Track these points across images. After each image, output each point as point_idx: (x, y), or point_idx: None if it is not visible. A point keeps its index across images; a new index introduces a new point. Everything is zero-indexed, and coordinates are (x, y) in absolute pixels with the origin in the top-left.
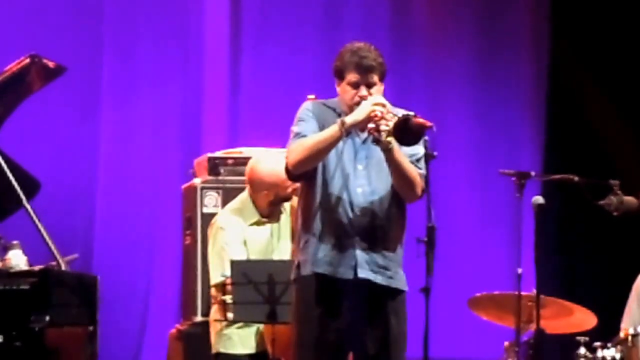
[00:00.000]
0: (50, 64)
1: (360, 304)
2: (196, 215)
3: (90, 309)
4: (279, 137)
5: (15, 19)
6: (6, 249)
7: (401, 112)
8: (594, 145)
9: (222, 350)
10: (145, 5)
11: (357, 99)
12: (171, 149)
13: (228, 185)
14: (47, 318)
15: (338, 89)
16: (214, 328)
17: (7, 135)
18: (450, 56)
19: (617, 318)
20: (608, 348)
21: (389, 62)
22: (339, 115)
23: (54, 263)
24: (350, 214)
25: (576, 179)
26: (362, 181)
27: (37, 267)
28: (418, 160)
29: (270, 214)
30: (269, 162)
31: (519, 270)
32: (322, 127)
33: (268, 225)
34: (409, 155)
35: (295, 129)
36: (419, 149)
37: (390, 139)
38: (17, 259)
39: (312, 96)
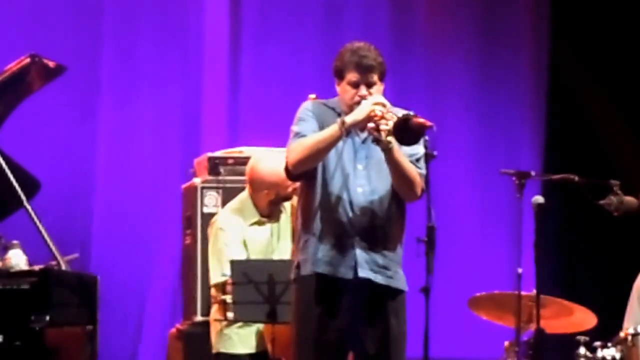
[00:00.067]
0: (50, 64)
1: (360, 303)
2: (196, 215)
3: (90, 308)
4: (279, 136)
5: (15, 19)
6: (6, 248)
7: (401, 112)
8: (594, 145)
9: (223, 350)
10: (145, 5)
11: (357, 98)
12: (171, 149)
13: (228, 185)
14: (47, 318)
15: (338, 89)
16: (214, 328)
17: (7, 135)
18: (450, 56)
19: (617, 318)
20: (608, 348)
21: (389, 62)
22: (339, 115)
23: (54, 263)
24: (350, 214)
25: (576, 178)
26: (362, 181)
27: (37, 267)
28: (418, 160)
29: (270, 213)
30: (269, 161)
31: (519, 270)
32: (322, 127)
33: (268, 225)
34: (409, 155)
35: (295, 128)
36: (419, 149)
37: (390, 138)
38: (17, 259)
39: (313, 95)
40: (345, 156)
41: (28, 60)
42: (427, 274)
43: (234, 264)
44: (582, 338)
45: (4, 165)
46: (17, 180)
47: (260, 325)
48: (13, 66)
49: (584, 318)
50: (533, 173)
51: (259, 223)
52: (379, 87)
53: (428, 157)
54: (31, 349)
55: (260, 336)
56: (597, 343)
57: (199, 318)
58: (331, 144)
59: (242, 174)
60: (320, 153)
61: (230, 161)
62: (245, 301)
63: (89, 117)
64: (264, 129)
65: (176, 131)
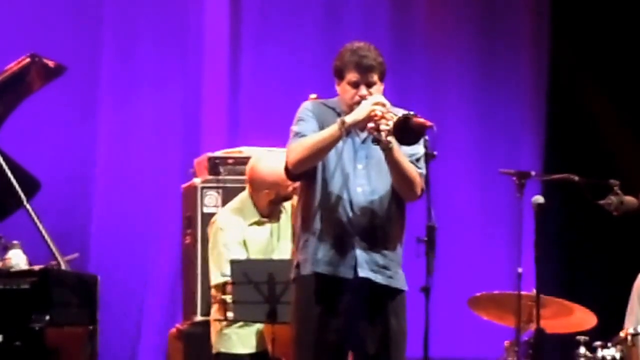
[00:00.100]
0: (50, 64)
1: (360, 303)
2: (196, 214)
3: (91, 308)
4: (279, 136)
5: (15, 19)
6: (6, 248)
7: (401, 112)
8: (594, 145)
9: (223, 349)
10: (145, 5)
11: (357, 98)
12: (171, 149)
13: (228, 185)
14: (47, 318)
15: (338, 89)
16: (214, 328)
17: (7, 135)
18: (450, 56)
19: (617, 318)
20: (608, 348)
21: (389, 62)
22: (339, 115)
23: (54, 263)
24: (350, 214)
25: (576, 178)
26: (362, 181)
27: (37, 267)
28: (418, 160)
29: (270, 213)
30: (269, 161)
31: (519, 270)
32: (322, 127)
33: (268, 225)
34: (409, 155)
35: (295, 128)
36: (418, 149)
37: (390, 138)
38: (17, 259)
39: (314, 95)
40: (345, 156)
41: (28, 60)
42: (427, 273)
43: (234, 263)
44: (582, 338)
45: (4, 165)
46: (17, 180)
47: (260, 325)
48: (13, 66)
49: (584, 318)
50: (533, 173)
51: (258, 223)
52: (379, 87)
53: (428, 157)
54: (31, 349)
55: (260, 336)
56: (597, 343)
57: (199, 318)
58: (331, 143)
59: (242, 174)
60: (320, 153)
61: (230, 161)
62: (245, 301)
63: (89, 117)
64: (264, 129)
65: (176, 131)
